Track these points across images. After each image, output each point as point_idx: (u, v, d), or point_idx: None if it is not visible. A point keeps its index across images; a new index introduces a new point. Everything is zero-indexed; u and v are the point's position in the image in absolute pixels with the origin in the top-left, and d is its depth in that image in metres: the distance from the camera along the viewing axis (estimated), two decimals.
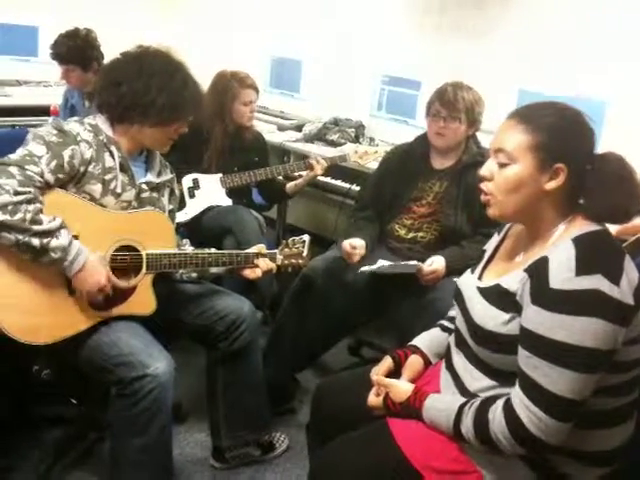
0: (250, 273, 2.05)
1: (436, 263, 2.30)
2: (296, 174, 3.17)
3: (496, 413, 1.28)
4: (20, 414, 2.27)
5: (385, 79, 3.77)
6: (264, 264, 2.03)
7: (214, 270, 2.06)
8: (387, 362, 1.64)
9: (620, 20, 2.97)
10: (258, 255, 2.04)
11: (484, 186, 1.39)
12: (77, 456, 2.22)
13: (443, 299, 2.17)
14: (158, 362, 1.76)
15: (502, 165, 1.34)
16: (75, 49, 3.19)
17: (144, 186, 1.94)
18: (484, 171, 1.38)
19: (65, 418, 2.35)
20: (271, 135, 3.84)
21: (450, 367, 1.50)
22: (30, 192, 1.64)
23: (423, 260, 2.31)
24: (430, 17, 3.70)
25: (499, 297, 1.34)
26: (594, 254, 1.24)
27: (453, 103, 2.32)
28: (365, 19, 4.00)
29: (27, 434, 2.27)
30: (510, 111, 1.38)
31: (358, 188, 3.30)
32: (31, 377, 1.92)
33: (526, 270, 1.29)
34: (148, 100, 1.83)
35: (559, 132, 1.30)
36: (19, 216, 1.61)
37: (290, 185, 3.19)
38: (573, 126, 1.31)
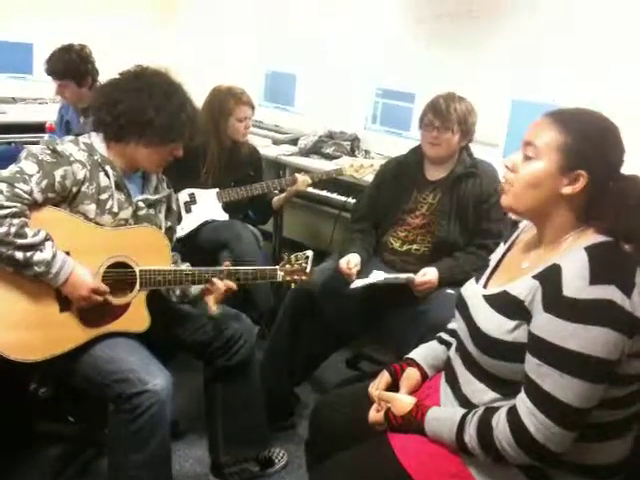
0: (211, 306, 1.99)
1: (429, 274, 2.31)
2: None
3: (500, 420, 1.28)
4: (18, 432, 2.26)
5: (379, 92, 3.78)
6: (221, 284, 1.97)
7: (193, 291, 2.04)
8: (385, 377, 1.63)
9: (614, 30, 2.99)
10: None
11: (506, 175, 1.39)
12: (75, 473, 2.21)
13: (436, 310, 2.19)
14: (156, 378, 1.75)
15: (527, 158, 1.34)
16: (69, 64, 3.20)
17: (141, 203, 1.94)
18: (507, 161, 1.39)
19: (63, 435, 2.34)
20: (266, 149, 3.84)
21: (451, 380, 1.50)
22: (16, 207, 1.66)
23: (417, 272, 2.32)
24: (423, 29, 3.73)
25: (506, 304, 1.34)
26: (608, 264, 1.24)
27: (445, 114, 2.34)
28: (358, 32, 4.02)
29: (25, 452, 2.26)
30: (548, 110, 1.37)
31: (354, 201, 3.31)
32: (29, 395, 1.91)
33: (536, 277, 1.29)
34: (145, 119, 1.83)
35: (590, 140, 1.30)
36: (3, 229, 1.63)
37: (275, 199, 3.20)
38: (604, 138, 1.31)
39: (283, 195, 3.17)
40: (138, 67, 1.94)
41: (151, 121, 1.83)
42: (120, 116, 1.84)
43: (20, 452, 2.25)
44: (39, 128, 3.83)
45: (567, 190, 1.30)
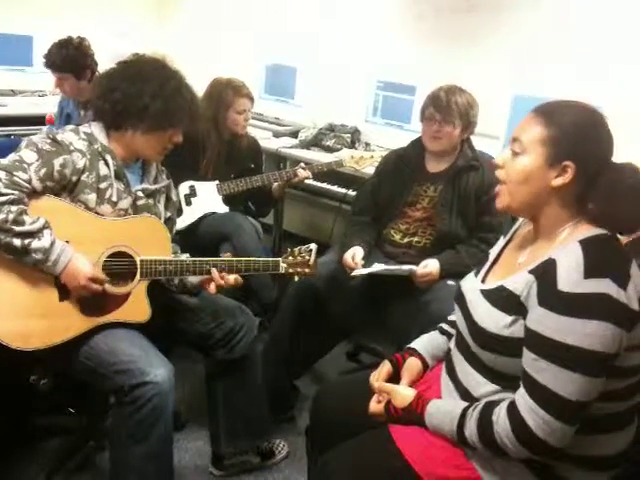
0: (211, 286, 1.97)
1: (430, 266, 2.31)
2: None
3: (500, 415, 1.28)
4: (18, 424, 2.26)
5: (380, 84, 3.78)
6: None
7: (192, 279, 2.03)
8: (386, 367, 1.63)
9: (615, 24, 2.99)
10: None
11: (498, 173, 1.40)
12: (76, 466, 2.21)
13: (438, 301, 2.19)
14: (158, 369, 1.75)
15: (515, 154, 1.35)
16: (68, 58, 3.19)
17: (140, 193, 1.94)
18: (497, 159, 1.40)
19: (64, 428, 2.34)
20: (267, 142, 3.84)
21: (451, 372, 1.50)
22: (14, 194, 1.66)
23: (418, 265, 2.32)
24: (424, 22, 3.72)
25: (503, 299, 1.34)
26: (602, 258, 1.25)
27: (446, 108, 2.33)
28: (359, 25, 4.01)
29: (26, 444, 2.26)
30: (535, 105, 1.38)
31: (354, 193, 3.31)
32: (29, 387, 1.91)
33: (532, 272, 1.29)
34: (141, 105, 1.83)
35: (574, 130, 1.30)
36: (1, 217, 1.64)
37: (274, 187, 3.17)
38: (590, 128, 1.31)
39: (281, 182, 3.14)
40: (134, 55, 1.94)
41: (147, 107, 1.83)
42: (117, 104, 1.84)
43: (21, 444, 2.25)
44: (39, 120, 3.83)
45: (557, 182, 1.31)
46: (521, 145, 1.34)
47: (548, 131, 1.31)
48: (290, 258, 2.04)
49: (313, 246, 2.06)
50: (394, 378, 1.61)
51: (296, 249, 2.04)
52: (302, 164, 3.13)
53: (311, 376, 2.82)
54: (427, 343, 1.67)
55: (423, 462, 1.37)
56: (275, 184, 3.15)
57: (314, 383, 2.81)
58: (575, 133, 1.30)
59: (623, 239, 1.44)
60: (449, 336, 1.63)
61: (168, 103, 1.85)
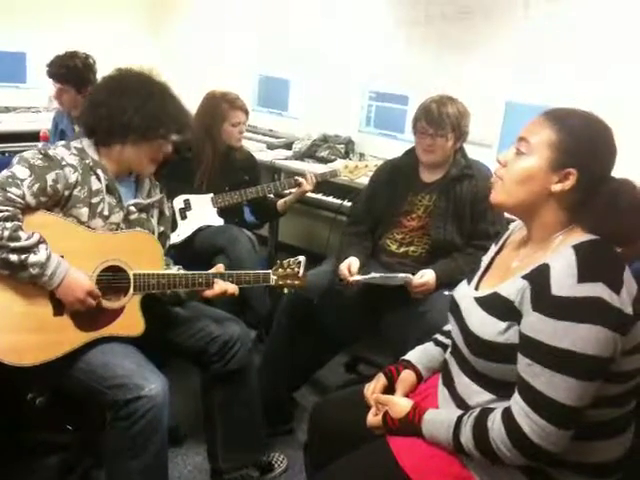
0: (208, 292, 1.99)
1: (427, 276, 2.30)
2: (287, 191, 3.18)
3: (495, 421, 1.27)
4: (15, 442, 2.24)
5: (372, 95, 3.80)
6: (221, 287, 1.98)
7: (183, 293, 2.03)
8: (381, 380, 1.63)
9: (607, 32, 3.00)
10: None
11: (497, 170, 1.40)
12: None
13: (434, 311, 2.18)
14: (152, 383, 1.75)
15: (520, 154, 1.35)
16: (73, 69, 3.20)
17: (132, 208, 1.95)
18: (501, 157, 1.40)
19: (61, 444, 2.33)
20: (261, 154, 3.85)
21: (447, 382, 1.49)
22: (9, 210, 1.67)
23: (414, 274, 2.32)
24: (415, 32, 3.73)
25: (497, 305, 1.34)
26: (595, 262, 1.25)
27: (439, 121, 2.32)
28: (351, 35, 4.03)
29: (22, 462, 2.24)
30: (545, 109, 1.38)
31: (349, 204, 3.31)
32: (25, 405, 1.90)
33: (525, 277, 1.29)
34: (125, 120, 1.84)
35: (581, 139, 1.30)
36: None
37: (280, 202, 3.19)
38: (599, 140, 1.31)
39: (289, 197, 3.15)
40: (118, 70, 1.96)
41: (131, 120, 1.84)
42: (102, 120, 1.86)
43: (19, 461, 2.23)
44: (33, 137, 3.83)
45: (557, 188, 1.31)
46: (528, 146, 1.33)
47: (557, 136, 1.31)
48: (280, 270, 2.05)
49: (302, 258, 2.07)
50: (389, 391, 1.60)
51: (285, 261, 2.05)
52: (297, 177, 3.13)
53: (309, 388, 2.80)
54: (421, 355, 1.66)
55: (421, 473, 1.37)
56: (281, 201, 3.15)
57: (312, 395, 2.79)
58: (585, 142, 1.30)
59: None
60: (444, 347, 1.63)
61: (151, 115, 1.86)
